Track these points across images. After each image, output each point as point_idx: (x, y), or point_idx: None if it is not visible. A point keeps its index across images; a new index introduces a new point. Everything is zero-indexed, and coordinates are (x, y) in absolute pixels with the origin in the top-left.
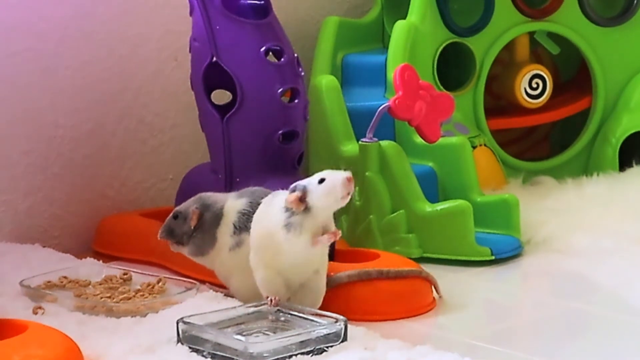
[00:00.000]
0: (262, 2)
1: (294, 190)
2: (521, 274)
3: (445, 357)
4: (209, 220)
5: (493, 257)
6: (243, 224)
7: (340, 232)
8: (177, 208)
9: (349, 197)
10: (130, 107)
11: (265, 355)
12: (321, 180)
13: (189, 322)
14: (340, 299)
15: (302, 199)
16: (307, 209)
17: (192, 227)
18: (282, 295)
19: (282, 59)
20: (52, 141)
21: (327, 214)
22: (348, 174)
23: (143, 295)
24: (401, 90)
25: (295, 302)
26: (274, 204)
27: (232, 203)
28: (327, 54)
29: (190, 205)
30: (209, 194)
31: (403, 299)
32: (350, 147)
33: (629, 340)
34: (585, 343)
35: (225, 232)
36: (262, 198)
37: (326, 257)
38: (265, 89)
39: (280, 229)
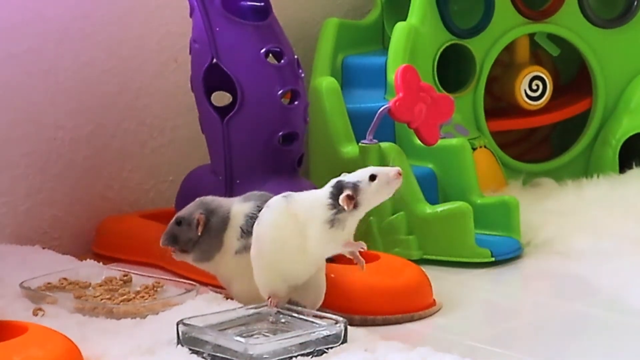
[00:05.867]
0: (262, 3)
1: (339, 188)
2: (521, 276)
3: (445, 359)
4: (216, 225)
5: (493, 259)
6: (251, 228)
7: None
8: (180, 214)
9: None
10: (130, 108)
11: (265, 356)
12: (372, 177)
13: (189, 324)
14: (341, 296)
15: (352, 197)
16: (355, 207)
17: (199, 234)
18: (283, 296)
19: (282, 61)
20: (52, 143)
21: (367, 210)
22: (398, 168)
23: (143, 297)
24: (402, 92)
25: (297, 298)
26: (301, 202)
27: (239, 207)
28: (327, 56)
29: (193, 210)
30: (210, 197)
31: (402, 297)
32: (351, 149)
33: (630, 342)
34: (585, 345)
35: (232, 236)
36: None
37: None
38: (266, 91)
39: (322, 226)
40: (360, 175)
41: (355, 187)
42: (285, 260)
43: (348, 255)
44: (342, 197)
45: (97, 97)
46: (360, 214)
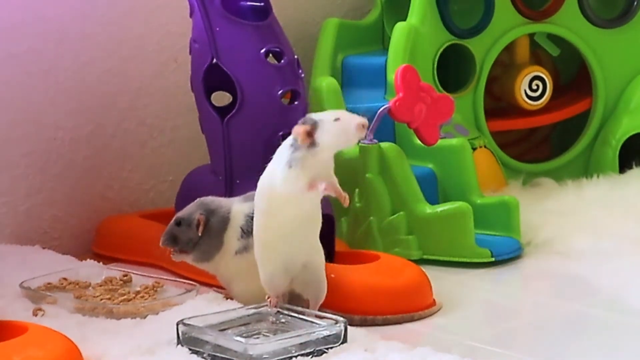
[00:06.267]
0: (262, 3)
1: (304, 123)
2: (521, 276)
3: (445, 359)
4: (216, 225)
5: (493, 259)
6: (251, 228)
7: (347, 197)
8: (179, 214)
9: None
10: (130, 108)
11: (265, 356)
12: (336, 119)
13: (189, 324)
14: (341, 296)
15: (310, 133)
16: (312, 145)
17: (200, 234)
18: (282, 278)
19: (282, 61)
20: (52, 143)
21: (330, 155)
22: (364, 120)
23: (143, 297)
24: (402, 92)
25: (299, 291)
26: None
27: (239, 207)
28: (327, 56)
29: (193, 211)
30: (210, 198)
31: (402, 297)
32: (351, 149)
33: (630, 342)
34: (585, 345)
35: (232, 236)
36: None
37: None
38: (265, 91)
39: (283, 167)
40: (325, 114)
41: (315, 123)
42: (280, 233)
43: (332, 195)
44: (296, 127)
45: (97, 97)
46: (319, 155)
